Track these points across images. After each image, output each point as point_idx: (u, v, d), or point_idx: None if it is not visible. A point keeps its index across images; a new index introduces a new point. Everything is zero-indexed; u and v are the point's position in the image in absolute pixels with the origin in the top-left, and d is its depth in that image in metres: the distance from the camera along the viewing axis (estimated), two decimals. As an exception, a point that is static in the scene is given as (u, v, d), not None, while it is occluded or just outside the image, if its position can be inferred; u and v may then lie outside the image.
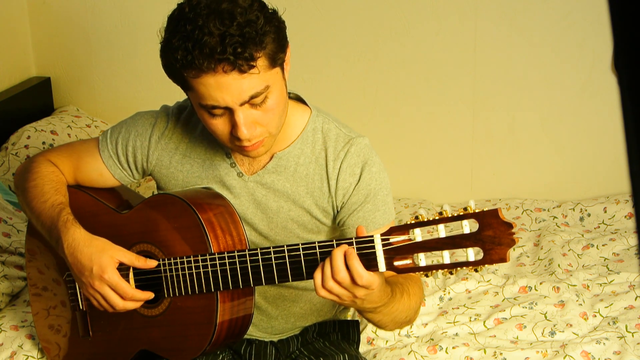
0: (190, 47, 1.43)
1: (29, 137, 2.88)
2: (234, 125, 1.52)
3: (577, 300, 2.25)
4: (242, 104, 1.49)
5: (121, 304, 1.63)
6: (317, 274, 1.43)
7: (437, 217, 1.35)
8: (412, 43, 2.97)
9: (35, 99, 3.20)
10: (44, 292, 1.89)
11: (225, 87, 1.46)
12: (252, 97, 1.48)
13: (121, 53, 3.20)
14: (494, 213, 1.32)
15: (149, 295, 1.64)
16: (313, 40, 3.03)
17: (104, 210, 1.78)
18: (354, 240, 1.43)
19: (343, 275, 1.40)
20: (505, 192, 3.04)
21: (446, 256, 1.36)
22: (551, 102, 2.95)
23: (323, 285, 1.42)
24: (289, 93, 1.65)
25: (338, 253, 1.41)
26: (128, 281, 1.65)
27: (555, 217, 2.84)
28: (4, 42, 3.11)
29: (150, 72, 3.18)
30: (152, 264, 1.64)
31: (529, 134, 3.00)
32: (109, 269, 1.61)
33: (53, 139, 2.91)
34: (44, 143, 2.88)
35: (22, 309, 2.22)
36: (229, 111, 1.51)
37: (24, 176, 1.81)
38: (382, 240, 1.40)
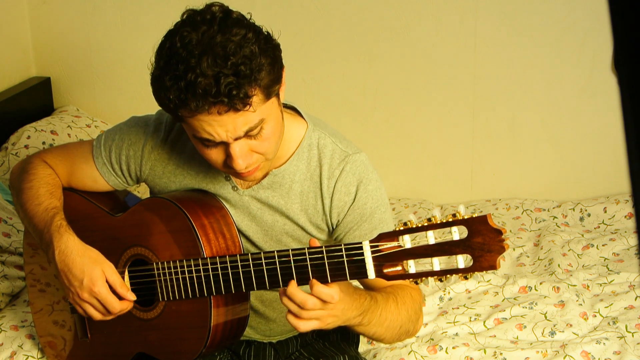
0: (183, 87, 1.39)
1: (29, 137, 2.88)
2: (228, 156, 1.50)
3: (577, 300, 2.25)
4: (237, 139, 1.47)
5: (107, 318, 1.65)
6: (290, 318, 1.46)
7: (426, 224, 1.34)
8: (412, 43, 2.97)
9: (35, 99, 3.20)
10: (48, 288, 1.89)
11: (219, 124, 1.44)
12: (248, 132, 1.46)
13: (121, 53, 3.20)
14: (483, 219, 1.30)
15: (132, 298, 1.64)
16: (313, 41, 3.03)
17: (98, 213, 1.77)
18: (343, 247, 1.42)
19: (313, 302, 1.43)
20: (505, 192, 3.04)
21: (436, 263, 1.34)
22: (551, 102, 2.95)
23: (300, 323, 1.45)
24: (284, 104, 1.63)
25: (293, 290, 1.43)
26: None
27: (555, 217, 2.84)
28: (4, 42, 3.11)
29: (150, 72, 3.17)
30: (131, 297, 1.64)
31: (529, 134, 3.00)
32: (99, 282, 1.60)
33: (53, 139, 2.90)
34: (44, 143, 2.88)
35: (22, 309, 2.22)
36: (224, 143, 1.49)
37: (20, 177, 1.79)
38: (371, 247, 1.39)
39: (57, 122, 3.01)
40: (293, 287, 1.43)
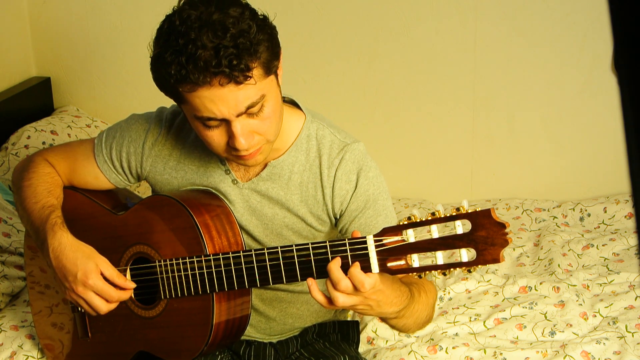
0: (184, 61, 1.40)
1: (29, 137, 2.88)
2: (230, 136, 1.49)
3: (577, 300, 2.25)
4: (238, 115, 1.46)
5: (105, 308, 1.63)
6: (318, 295, 1.43)
7: (429, 218, 1.34)
8: (412, 43, 2.97)
9: (35, 99, 3.20)
10: (47, 290, 1.89)
11: (221, 99, 1.44)
12: (249, 108, 1.46)
13: (121, 53, 3.20)
14: (487, 213, 1.30)
15: (132, 285, 1.64)
16: (313, 41, 3.03)
17: (100, 211, 1.77)
18: (347, 241, 1.41)
19: (345, 284, 1.39)
20: (505, 192, 3.04)
21: (439, 257, 1.34)
22: (551, 102, 2.95)
23: (329, 301, 1.42)
24: (283, 97, 1.63)
25: (333, 266, 1.40)
26: None
27: (555, 217, 2.85)
28: (4, 42, 3.11)
29: (150, 72, 3.17)
30: (131, 285, 1.63)
31: (529, 134, 3.00)
32: (93, 275, 1.60)
33: (53, 139, 2.91)
34: (44, 143, 2.88)
35: (22, 309, 2.22)
36: (225, 122, 1.48)
37: (21, 175, 1.80)
38: (375, 241, 1.39)
39: (57, 122, 3.01)
40: (334, 264, 1.41)
